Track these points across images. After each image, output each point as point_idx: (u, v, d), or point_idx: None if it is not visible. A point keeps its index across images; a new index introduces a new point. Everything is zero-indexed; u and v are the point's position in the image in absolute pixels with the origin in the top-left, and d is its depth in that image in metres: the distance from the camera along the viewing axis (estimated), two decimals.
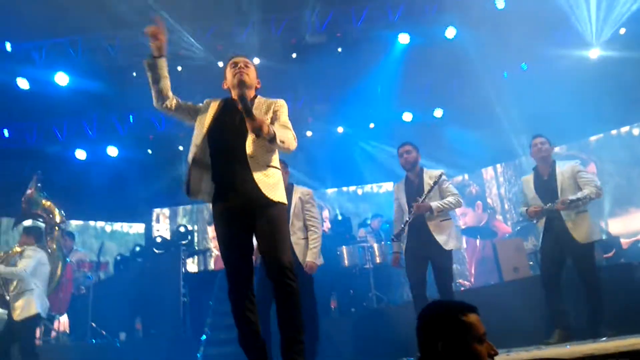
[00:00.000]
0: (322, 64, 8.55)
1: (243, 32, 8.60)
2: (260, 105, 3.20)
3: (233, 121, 3.12)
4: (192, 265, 9.64)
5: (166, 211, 11.65)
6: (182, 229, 9.20)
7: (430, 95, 9.30)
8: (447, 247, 4.66)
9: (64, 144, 9.84)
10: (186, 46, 8.58)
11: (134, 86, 8.97)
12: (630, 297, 4.75)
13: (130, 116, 9.75)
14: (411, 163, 4.86)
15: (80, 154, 10.11)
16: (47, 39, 8.77)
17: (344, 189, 11.00)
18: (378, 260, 7.62)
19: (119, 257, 9.49)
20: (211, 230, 11.08)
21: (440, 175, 4.77)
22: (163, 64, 3.23)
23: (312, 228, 4.77)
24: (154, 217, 11.46)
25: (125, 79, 9.00)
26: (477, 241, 9.29)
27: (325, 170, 10.19)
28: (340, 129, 9.07)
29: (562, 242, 4.69)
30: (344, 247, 8.75)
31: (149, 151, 10.14)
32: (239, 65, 3.21)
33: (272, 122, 3.10)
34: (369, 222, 8.91)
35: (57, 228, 7.26)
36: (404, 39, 8.52)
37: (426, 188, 4.73)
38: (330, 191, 10.75)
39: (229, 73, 3.25)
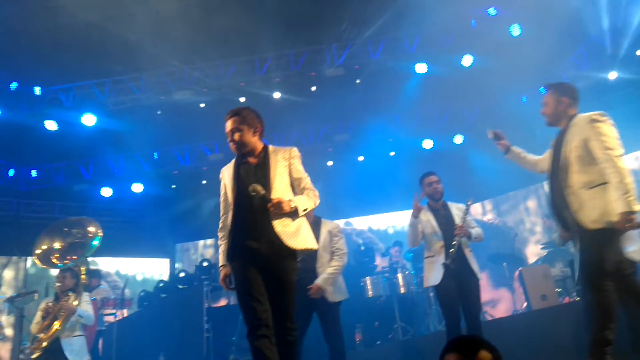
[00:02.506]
0: (342, 95, 8.69)
1: (263, 67, 8.80)
2: (274, 162, 3.29)
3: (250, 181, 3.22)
4: (215, 300, 9.62)
5: (190, 245, 11.72)
6: (205, 264, 9.22)
7: (450, 122, 9.34)
8: (478, 277, 4.63)
9: (90, 182, 10.06)
10: (210, 84, 8.81)
11: (157, 123, 9.24)
12: None
13: (155, 153, 9.94)
14: (441, 193, 4.85)
15: (106, 192, 10.30)
16: (75, 82, 9.08)
17: (365, 218, 10.96)
18: (402, 290, 7.52)
19: (142, 293, 9.52)
20: None
21: (468, 208, 4.76)
22: None
23: (336, 257, 4.78)
24: (178, 252, 11.53)
25: (150, 117, 9.24)
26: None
27: (346, 199, 10.22)
28: (360, 158, 9.14)
29: None
30: (367, 277, 8.68)
31: (173, 186, 10.30)
32: (229, 139, 3.32)
33: (289, 174, 3.28)
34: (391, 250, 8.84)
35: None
36: (421, 68, 8.61)
37: (456, 219, 4.72)
38: (351, 220, 10.71)
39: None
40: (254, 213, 3.19)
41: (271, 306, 3.14)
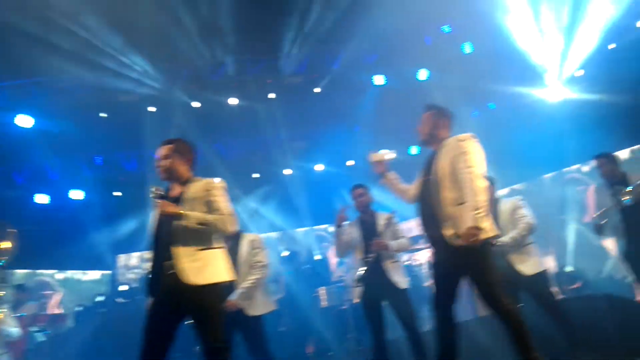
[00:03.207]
0: (300, 103, 8.66)
1: (217, 72, 8.61)
2: (196, 192, 3.35)
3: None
4: None
5: (135, 256, 11.15)
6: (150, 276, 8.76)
7: (406, 134, 9.52)
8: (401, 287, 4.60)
9: (23, 187, 9.32)
10: (161, 88, 8.50)
11: (102, 127, 8.75)
12: (594, 328, 4.83)
13: (99, 158, 9.40)
14: (365, 204, 4.87)
15: (42, 199, 9.58)
16: (8, 81, 8.42)
17: (322, 227, 10.94)
18: (357, 300, 7.50)
19: (80, 308, 8.93)
20: None
21: (389, 220, 4.80)
22: None
23: (255, 270, 4.64)
24: (121, 264, 10.91)
25: (94, 120, 8.74)
26: None
27: (303, 208, 10.15)
28: (319, 167, 9.13)
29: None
30: (322, 288, 8.63)
31: (118, 193, 9.75)
32: (157, 164, 3.46)
33: (206, 203, 3.32)
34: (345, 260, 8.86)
35: None
36: (379, 80, 8.78)
37: (379, 229, 4.73)
38: (306, 230, 10.65)
39: None
40: (164, 246, 3.26)
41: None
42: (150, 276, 3.32)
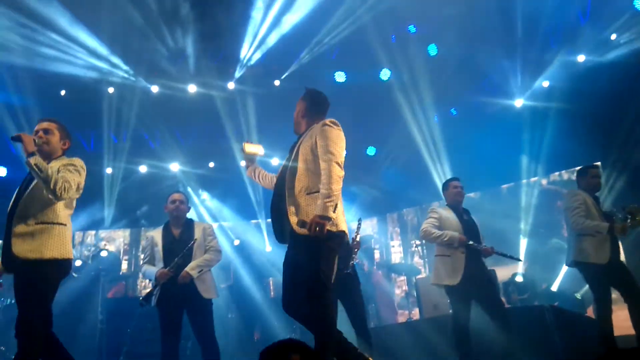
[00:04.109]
0: (259, 96, 8.63)
1: (177, 59, 8.56)
2: (55, 165, 3.44)
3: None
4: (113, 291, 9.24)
5: (88, 235, 11.18)
6: (103, 253, 8.84)
7: (365, 133, 9.51)
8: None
9: None
10: (119, 70, 8.44)
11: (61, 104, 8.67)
12: (540, 339, 5.00)
13: None
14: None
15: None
16: None
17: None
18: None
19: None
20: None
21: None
22: None
23: (208, 253, 4.83)
24: (77, 241, 10.94)
25: (53, 96, 8.66)
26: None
27: (259, 201, 10.16)
28: (275, 161, 9.10)
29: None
30: (271, 278, 8.73)
31: None
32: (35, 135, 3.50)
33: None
34: None
35: None
36: (340, 77, 8.74)
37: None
38: (259, 222, 10.68)
39: None
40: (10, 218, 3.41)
41: None
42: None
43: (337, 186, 3.10)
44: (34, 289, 3.24)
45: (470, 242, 4.89)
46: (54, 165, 3.40)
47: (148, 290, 4.69)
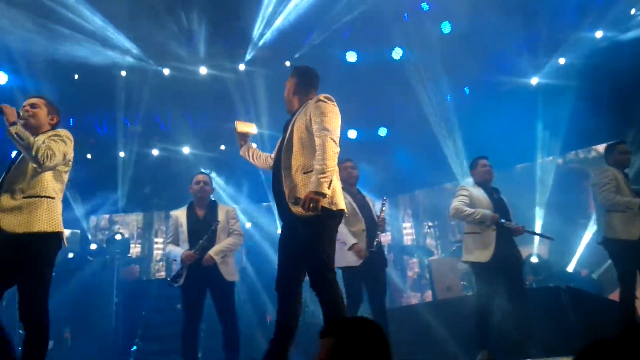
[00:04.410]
0: (270, 77, 8.56)
1: (190, 40, 8.51)
2: (41, 138, 3.38)
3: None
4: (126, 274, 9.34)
5: (103, 219, 11.30)
6: (118, 237, 8.93)
7: (376, 114, 9.43)
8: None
9: None
10: (131, 54, 8.43)
11: (74, 88, 8.70)
12: (556, 319, 4.94)
13: (70, 119, 9.36)
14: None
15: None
16: None
17: None
18: None
19: None
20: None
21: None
22: None
23: (232, 236, 4.90)
24: (91, 224, 11.05)
25: (67, 80, 8.68)
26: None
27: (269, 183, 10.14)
28: None
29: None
30: None
31: (88, 156, 9.77)
32: (22, 109, 3.47)
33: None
34: None
35: None
36: (351, 56, 8.63)
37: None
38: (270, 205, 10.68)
39: None
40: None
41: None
42: None
43: (332, 162, 3.04)
44: (27, 264, 3.20)
45: (503, 221, 4.82)
46: (41, 138, 3.37)
47: (162, 273, 4.77)
